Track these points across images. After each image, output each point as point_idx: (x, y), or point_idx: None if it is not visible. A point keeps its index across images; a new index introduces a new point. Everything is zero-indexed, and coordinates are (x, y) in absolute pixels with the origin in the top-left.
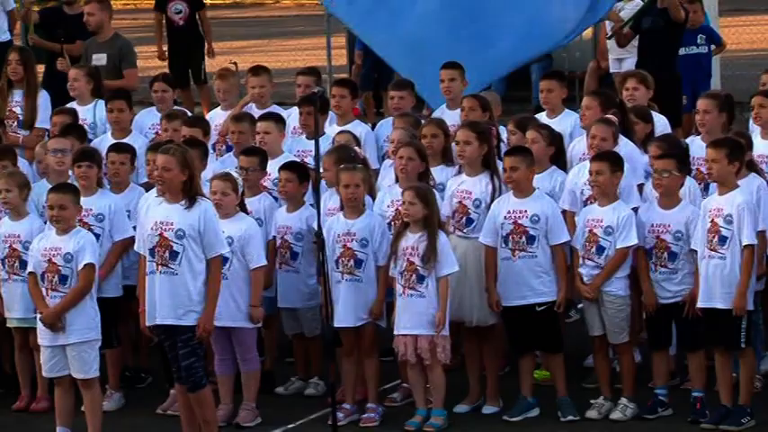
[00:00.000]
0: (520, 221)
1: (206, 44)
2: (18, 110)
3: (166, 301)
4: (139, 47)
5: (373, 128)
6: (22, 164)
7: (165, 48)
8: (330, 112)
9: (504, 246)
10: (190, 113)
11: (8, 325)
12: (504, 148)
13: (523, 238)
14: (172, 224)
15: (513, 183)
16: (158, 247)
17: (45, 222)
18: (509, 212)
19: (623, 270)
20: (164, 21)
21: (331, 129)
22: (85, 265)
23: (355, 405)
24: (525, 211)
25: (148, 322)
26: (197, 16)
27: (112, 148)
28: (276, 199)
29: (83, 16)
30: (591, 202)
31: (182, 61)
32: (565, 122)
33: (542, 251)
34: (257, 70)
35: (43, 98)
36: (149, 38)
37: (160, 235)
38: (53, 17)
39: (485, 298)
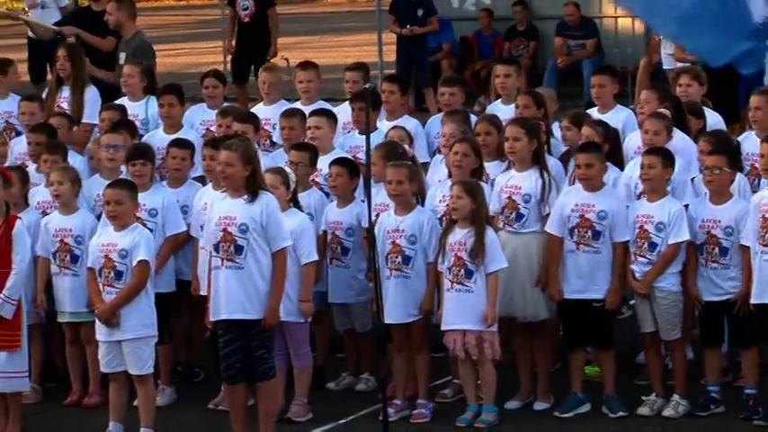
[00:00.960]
0: (587, 216)
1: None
2: (66, 105)
3: (233, 296)
4: (192, 42)
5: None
6: (76, 158)
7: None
8: (382, 108)
9: (569, 238)
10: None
11: (59, 320)
12: (554, 143)
13: (589, 233)
14: (235, 218)
15: (588, 180)
16: (223, 242)
17: (97, 218)
18: (576, 205)
19: (675, 266)
20: (236, 17)
21: (382, 124)
22: (140, 261)
23: (406, 401)
24: (593, 205)
25: (214, 317)
26: (266, 13)
27: (174, 143)
28: (328, 194)
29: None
30: (644, 197)
31: (245, 57)
32: (617, 118)
33: (606, 247)
34: (305, 65)
35: (92, 93)
36: (201, 34)
37: (224, 230)
38: (82, 14)
39: (536, 293)
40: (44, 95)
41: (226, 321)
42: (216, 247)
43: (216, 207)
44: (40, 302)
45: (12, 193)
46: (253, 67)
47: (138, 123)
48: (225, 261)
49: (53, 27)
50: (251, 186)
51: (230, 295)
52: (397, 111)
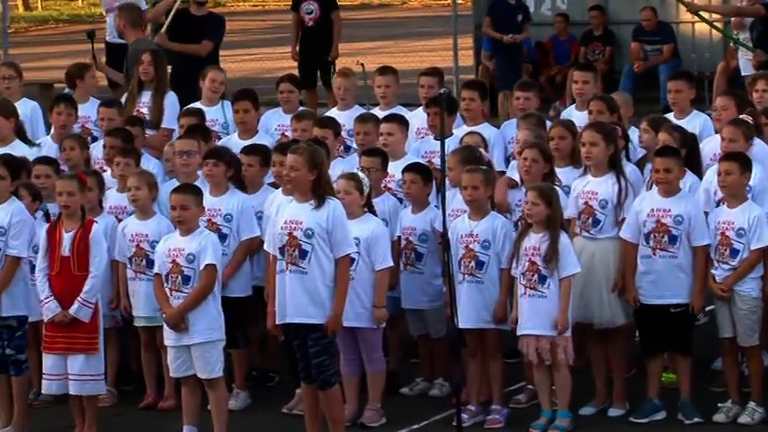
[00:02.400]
0: (663, 220)
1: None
2: (145, 110)
3: (296, 300)
4: (267, 48)
5: None
6: (154, 163)
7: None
8: (457, 113)
9: (645, 243)
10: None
11: (135, 324)
12: (632, 148)
13: (665, 238)
14: (301, 223)
15: (666, 184)
16: (288, 246)
17: (172, 222)
18: (652, 210)
19: (757, 271)
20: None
21: (458, 130)
22: (207, 265)
23: (480, 406)
24: (669, 210)
25: (278, 321)
26: (330, 18)
27: (243, 149)
28: (401, 200)
29: (210, 17)
30: (723, 204)
31: (310, 62)
32: (693, 123)
33: (683, 252)
34: (384, 70)
35: (170, 99)
36: (276, 39)
37: (289, 234)
38: (181, 19)
39: (613, 299)
40: (123, 99)
41: (290, 325)
42: (281, 251)
43: (282, 211)
44: (124, 307)
45: (88, 197)
46: (319, 73)
47: (217, 127)
48: (289, 265)
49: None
50: (317, 191)
51: (294, 299)
52: (477, 117)
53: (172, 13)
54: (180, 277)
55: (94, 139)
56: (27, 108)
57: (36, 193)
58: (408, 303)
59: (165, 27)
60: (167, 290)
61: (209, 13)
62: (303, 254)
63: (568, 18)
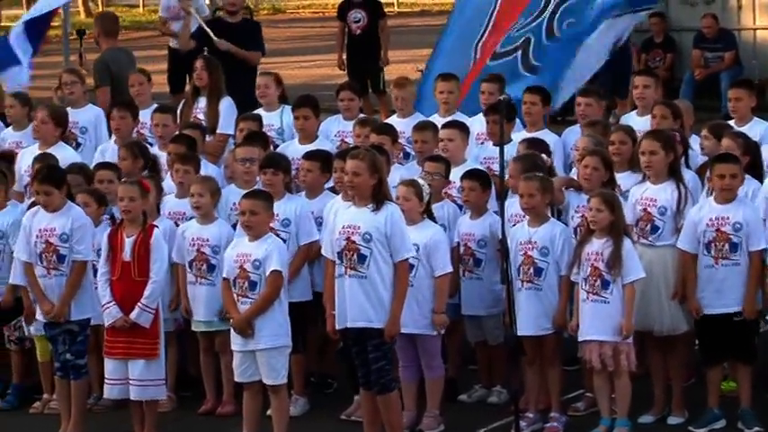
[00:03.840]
0: (723, 229)
1: (382, 53)
2: (201, 116)
3: (356, 305)
4: (324, 55)
5: None
6: (211, 169)
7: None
8: (516, 120)
9: (705, 253)
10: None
11: (194, 328)
12: (692, 155)
13: (726, 246)
14: (359, 228)
15: (729, 190)
16: (346, 251)
17: (233, 227)
18: (711, 220)
19: None
20: (346, 30)
21: (517, 136)
22: (272, 271)
23: (538, 414)
24: (728, 218)
25: (338, 326)
26: (378, 25)
27: (304, 155)
28: (461, 207)
29: (245, 24)
30: None
31: (359, 70)
32: (754, 131)
33: (745, 259)
34: (446, 76)
35: (226, 104)
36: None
37: (347, 239)
38: (217, 27)
39: (673, 306)
40: (180, 106)
41: (349, 330)
42: (339, 256)
43: (340, 216)
44: (184, 308)
45: (148, 202)
46: (369, 80)
47: (273, 133)
48: (348, 270)
49: (210, 33)
50: (376, 196)
51: (353, 304)
52: (538, 123)
53: (200, 24)
54: (247, 283)
55: (149, 145)
56: (91, 114)
57: (101, 198)
58: (467, 310)
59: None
60: (235, 295)
61: (244, 19)
62: (362, 258)
63: None
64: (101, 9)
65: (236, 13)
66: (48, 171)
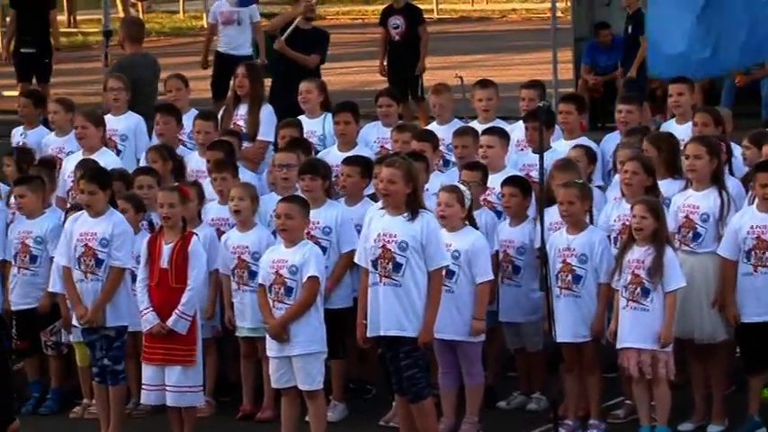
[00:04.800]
0: (763, 237)
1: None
2: (242, 123)
3: (390, 313)
4: (367, 61)
5: None
6: (250, 176)
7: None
8: (555, 126)
9: (745, 261)
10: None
11: (237, 334)
12: (735, 163)
13: (766, 254)
14: (395, 236)
15: None
16: (381, 259)
17: (273, 234)
18: (752, 227)
19: None
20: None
21: (557, 143)
22: (309, 277)
23: (578, 421)
24: None
25: (371, 333)
26: (417, 32)
27: (344, 160)
28: (500, 214)
29: (315, 31)
30: None
31: (398, 76)
32: None
33: None
34: (485, 83)
35: (266, 111)
36: (377, 52)
37: (383, 247)
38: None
39: (714, 314)
40: (220, 113)
41: (383, 338)
42: (374, 264)
43: (375, 223)
44: (228, 319)
45: (189, 209)
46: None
47: (315, 140)
48: (383, 278)
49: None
50: (411, 204)
51: (387, 312)
52: (575, 131)
53: (292, 27)
54: (283, 288)
55: (189, 151)
56: (131, 122)
57: (139, 204)
58: (505, 317)
59: (285, 35)
60: (271, 301)
61: (314, 28)
62: (397, 266)
63: None
64: (141, 14)
65: (311, 21)
66: (95, 170)
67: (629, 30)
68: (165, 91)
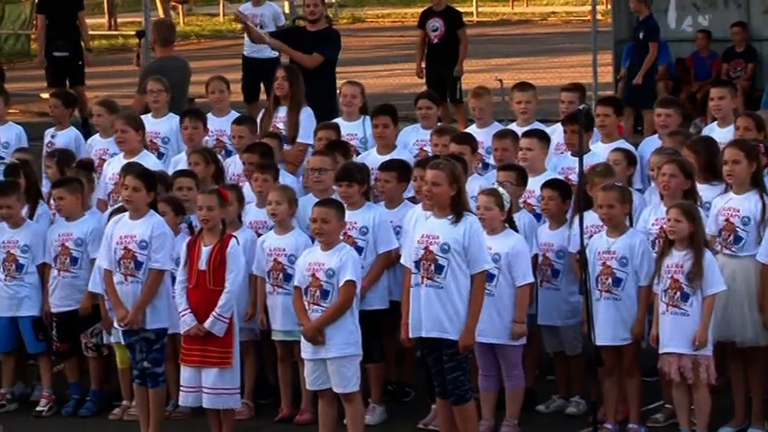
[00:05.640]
0: None
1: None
2: (281, 125)
3: (431, 315)
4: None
5: None
6: (291, 180)
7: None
8: (594, 129)
9: None
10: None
11: (273, 338)
12: None
13: None
14: (437, 238)
15: None
16: (424, 261)
17: (310, 237)
18: None
19: None
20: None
21: (595, 146)
22: (346, 281)
23: (617, 425)
24: None
25: (413, 334)
26: (456, 34)
27: (380, 165)
28: (539, 216)
29: (325, 31)
30: None
31: (436, 78)
32: None
33: None
34: (524, 86)
35: (306, 114)
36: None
37: (426, 248)
38: (298, 35)
39: (756, 317)
40: (260, 115)
41: (424, 340)
42: (417, 265)
43: (420, 225)
44: (261, 321)
45: (228, 211)
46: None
47: (356, 142)
48: (425, 279)
49: (265, 35)
50: (455, 206)
51: (429, 314)
52: (613, 134)
53: (258, 28)
54: (319, 291)
55: (229, 154)
56: (173, 123)
57: (178, 206)
58: (543, 320)
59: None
60: (306, 303)
61: (326, 28)
62: (439, 269)
63: (710, 35)
64: (182, 17)
65: (317, 22)
66: (141, 169)
67: (641, 36)
68: (206, 93)
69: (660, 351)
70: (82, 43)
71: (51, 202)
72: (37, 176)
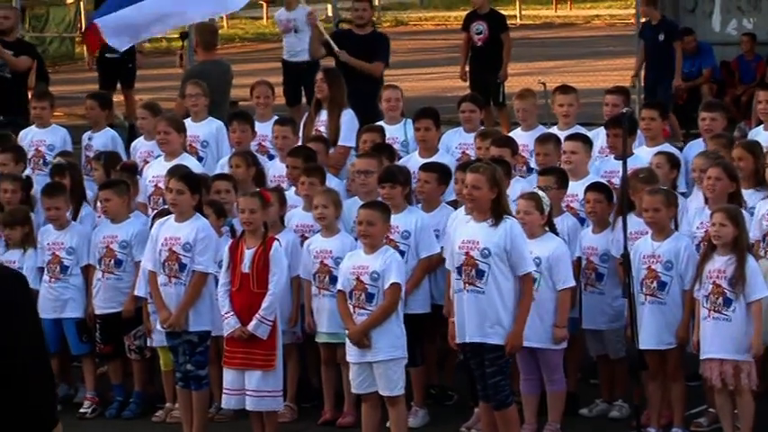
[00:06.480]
0: None
1: (502, 66)
2: (323, 128)
3: (474, 320)
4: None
5: None
6: (336, 182)
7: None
8: (637, 133)
9: None
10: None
11: (317, 340)
12: None
13: None
14: (477, 243)
15: None
16: (465, 266)
17: (355, 239)
18: None
19: None
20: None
21: (639, 150)
22: (392, 284)
23: (661, 429)
24: None
25: (458, 339)
26: (500, 38)
27: (421, 167)
28: (583, 220)
29: (374, 35)
30: None
31: (480, 81)
32: None
33: None
34: (565, 89)
35: (347, 116)
36: (458, 58)
37: (466, 254)
38: (345, 40)
39: None
40: (303, 119)
41: (467, 344)
42: (458, 271)
43: (460, 230)
44: (308, 324)
45: (269, 213)
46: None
47: (397, 145)
48: (467, 285)
49: (339, 52)
50: (495, 210)
51: (471, 319)
52: (658, 138)
53: (330, 42)
54: (363, 295)
55: (271, 157)
56: (212, 127)
57: (220, 209)
58: (587, 324)
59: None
60: (351, 307)
61: (373, 32)
62: (480, 273)
63: (755, 38)
64: (225, 20)
65: (365, 26)
66: (185, 171)
67: (661, 38)
68: (251, 97)
69: (701, 357)
70: (135, 45)
71: (97, 204)
72: (82, 178)
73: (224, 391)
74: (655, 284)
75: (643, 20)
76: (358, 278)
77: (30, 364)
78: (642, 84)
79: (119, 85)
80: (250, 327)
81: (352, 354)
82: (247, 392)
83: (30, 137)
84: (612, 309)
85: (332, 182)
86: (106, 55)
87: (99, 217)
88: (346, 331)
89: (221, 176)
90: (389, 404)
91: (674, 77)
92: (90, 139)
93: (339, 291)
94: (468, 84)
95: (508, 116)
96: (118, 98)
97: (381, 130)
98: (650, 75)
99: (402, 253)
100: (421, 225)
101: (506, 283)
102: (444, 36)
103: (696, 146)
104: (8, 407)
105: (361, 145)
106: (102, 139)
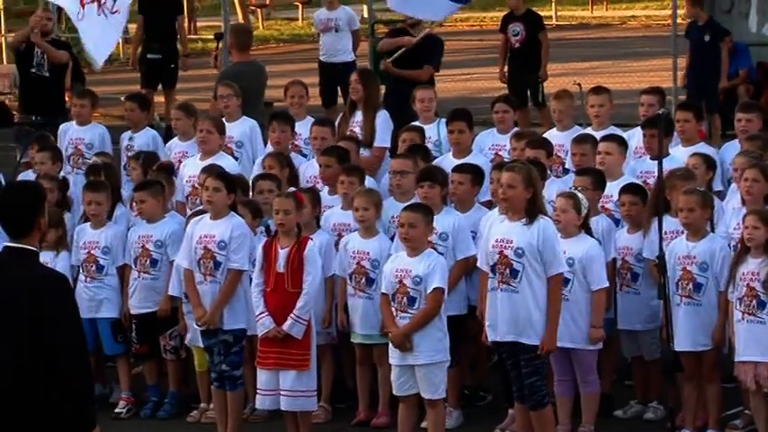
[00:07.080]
0: None
1: (541, 67)
2: (358, 129)
3: (507, 319)
4: (484, 67)
5: None
6: (370, 182)
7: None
8: (674, 134)
9: None
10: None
11: (352, 340)
12: None
13: None
14: (511, 242)
15: None
16: (499, 265)
17: (391, 239)
18: None
19: None
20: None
21: (674, 150)
22: (435, 288)
23: (696, 431)
24: None
25: (491, 338)
26: (537, 38)
27: (454, 168)
28: (618, 221)
29: (428, 39)
30: None
31: (518, 82)
32: None
33: None
34: (598, 90)
35: (382, 117)
36: (493, 59)
37: (500, 253)
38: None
39: None
40: (338, 120)
41: (502, 344)
42: (493, 269)
43: (494, 229)
44: (341, 321)
45: (303, 214)
46: (529, 93)
47: (431, 145)
48: (501, 284)
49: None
50: (530, 209)
51: (505, 318)
52: (693, 139)
53: (400, 52)
54: (406, 298)
55: (304, 156)
56: (245, 127)
57: (256, 209)
58: (623, 324)
59: (392, 58)
60: (393, 309)
61: (427, 36)
62: (514, 273)
63: None
64: (260, 21)
65: (415, 26)
66: (221, 170)
67: (706, 38)
68: (285, 97)
69: (736, 359)
70: (179, 46)
71: (134, 204)
72: (118, 178)
73: (258, 391)
74: (690, 286)
75: (681, 21)
76: (401, 281)
77: (74, 361)
78: (680, 84)
79: (159, 86)
80: (285, 326)
81: (394, 356)
82: (282, 392)
83: (69, 134)
84: (649, 309)
85: (369, 182)
86: (148, 56)
87: (135, 216)
88: (389, 334)
89: (266, 176)
90: (429, 406)
91: (720, 79)
92: (131, 139)
93: (383, 294)
94: (505, 85)
95: (548, 116)
96: (158, 98)
97: (421, 131)
98: (693, 75)
99: (440, 255)
100: (458, 226)
101: (539, 282)
102: (480, 37)
103: (732, 147)
104: (52, 406)
105: (401, 144)
106: (144, 138)
